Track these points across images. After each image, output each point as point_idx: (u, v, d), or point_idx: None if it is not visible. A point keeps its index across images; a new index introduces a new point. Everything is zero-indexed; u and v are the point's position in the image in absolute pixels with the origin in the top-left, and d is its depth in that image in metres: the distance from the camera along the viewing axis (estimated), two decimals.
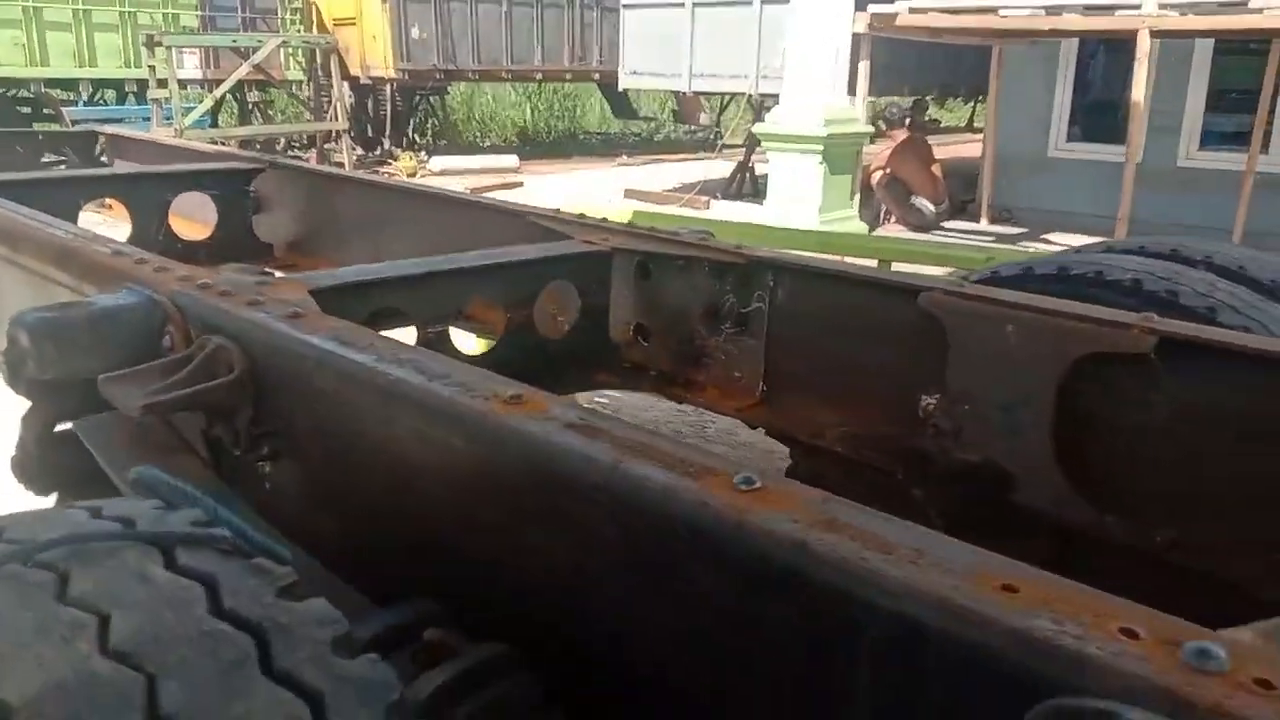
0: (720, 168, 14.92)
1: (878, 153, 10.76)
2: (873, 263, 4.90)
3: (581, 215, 2.51)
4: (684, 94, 17.47)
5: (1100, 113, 11.53)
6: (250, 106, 18.55)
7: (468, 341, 2.44)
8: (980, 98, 16.88)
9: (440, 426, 1.18)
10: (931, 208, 10.75)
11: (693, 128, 23.80)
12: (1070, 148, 11.43)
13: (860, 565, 0.84)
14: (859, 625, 0.83)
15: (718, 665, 0.95)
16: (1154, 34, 7.68)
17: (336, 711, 0.70)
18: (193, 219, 3.60)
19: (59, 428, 1.62)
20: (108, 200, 3.58)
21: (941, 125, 25.87)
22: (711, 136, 19.56)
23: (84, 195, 3.16)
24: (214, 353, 1.46)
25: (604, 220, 2.47)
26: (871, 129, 10.09)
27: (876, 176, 10.65)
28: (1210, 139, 10.67)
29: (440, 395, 1.19)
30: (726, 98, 18.30)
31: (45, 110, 16.50)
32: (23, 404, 1.63)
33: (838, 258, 3.94)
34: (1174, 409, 1.70)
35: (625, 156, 21.35)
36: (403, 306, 2.00)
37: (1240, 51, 10.42)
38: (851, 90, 9.55)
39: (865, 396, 2.09)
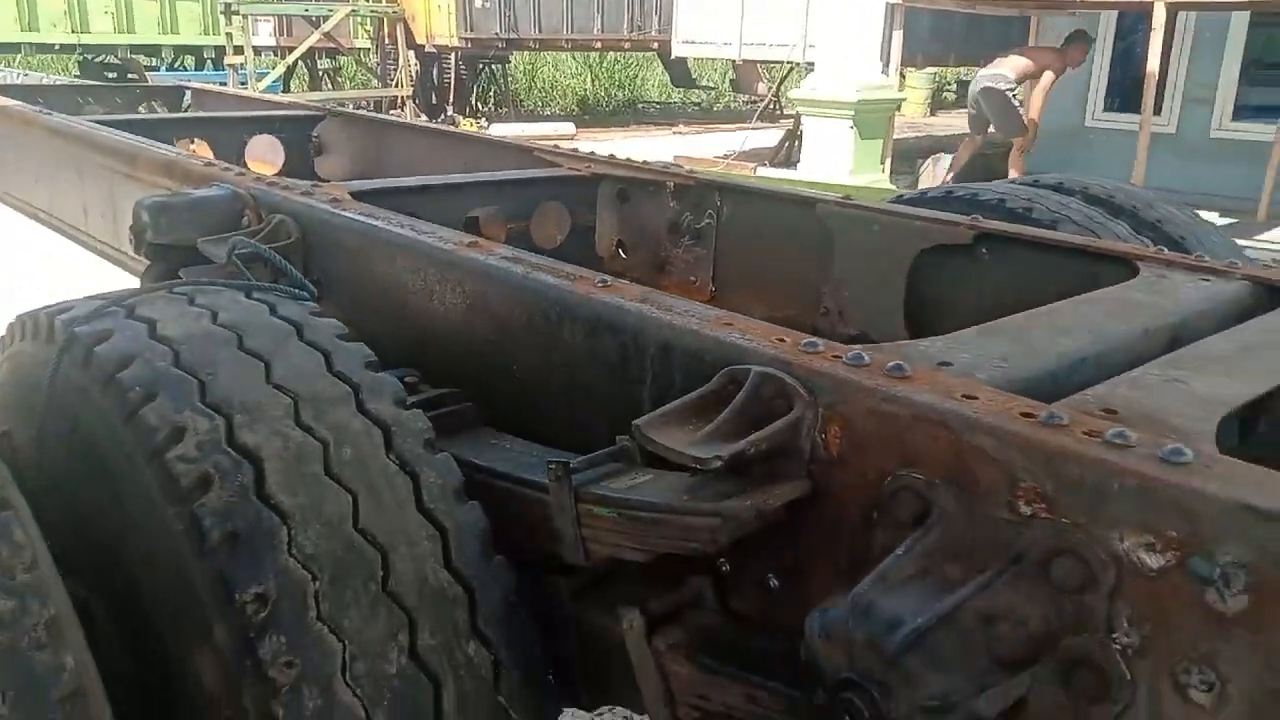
0: (774, 137, 15.34)
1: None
2: None
3: (573, 150, 3.10)
4: (740, 63, 17.83)
5: (1139, 84, 11.73)
6: (320, 73, 19.39)
7: None
8: None
9: (423, 261, 1.78)
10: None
11: (752, 97, 24.02)
12: (1107, 118, 11.68)
13: (649, 314, 1.42)
14: (645, 346, 1.41)
15: (577, 383, 1.53)
16: (1169, 6, 7.98)
17: (341, 362, 1.30)
18: (264, 160, 4.25)
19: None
20: (193, 144, 4.25)
21: None
22: (770, 106, 19.89)
23: (175, 133, 3.81)
24: (278, 225, 2.08)
25: (590, 154, 3.05)
26: (903, 96, 10.46)
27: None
28: (1244, 111, 10.86)
29: (425, 242, 1.79)
30: (787, 67, 18.64)
31: (130, 75, 17.49)
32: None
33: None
34: (995, 289, 2.23)
35: (682, 125, 21.80)
36: (419, 211, 2.58)
37: (1276, 24, 10.59)
38: (887, 59, 9.95)
39: (782, 289, 2.64)
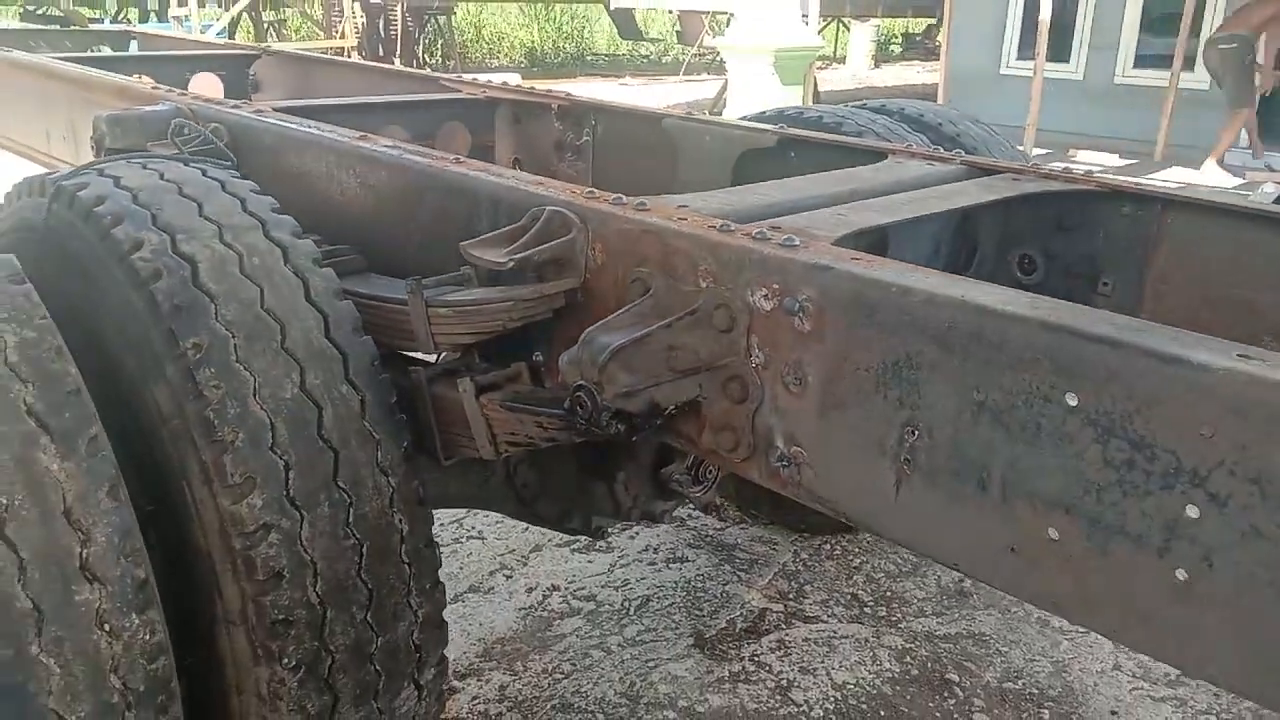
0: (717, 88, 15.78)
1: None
2: None
3: (474, 79, 3.60)
4: (681, 14, 18.16)
5: (1050, 32, 12.34)
6: (265, 25, 19.47)
7: None
8: None
9: (324, 152, 2.29)
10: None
11: (702, 49, 24.35)
12: (1020, 65, 12.27)
13: (485, 179, 1.95)
14: (481, 201, 1.93)
15: (436, 234, 2.05)
16: None
17: (253, 206, 1.81)
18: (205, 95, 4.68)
19: None
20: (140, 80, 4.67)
21: None
22: (713, 58, 20.25)
23: (122, 70, 4.23)
24: (213, 130, 2.57)
25: (487, 82, 3.55)
26: (822, 44, 10.99)
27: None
28: (1144, 59, 11.51)
29: (327, 136, 2.30)
30: (731, 18, 19.02)
31: (73, 27, 17.49)
32: None
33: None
34: None
35: (629, 77, 22.16)
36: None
37: None
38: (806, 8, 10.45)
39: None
